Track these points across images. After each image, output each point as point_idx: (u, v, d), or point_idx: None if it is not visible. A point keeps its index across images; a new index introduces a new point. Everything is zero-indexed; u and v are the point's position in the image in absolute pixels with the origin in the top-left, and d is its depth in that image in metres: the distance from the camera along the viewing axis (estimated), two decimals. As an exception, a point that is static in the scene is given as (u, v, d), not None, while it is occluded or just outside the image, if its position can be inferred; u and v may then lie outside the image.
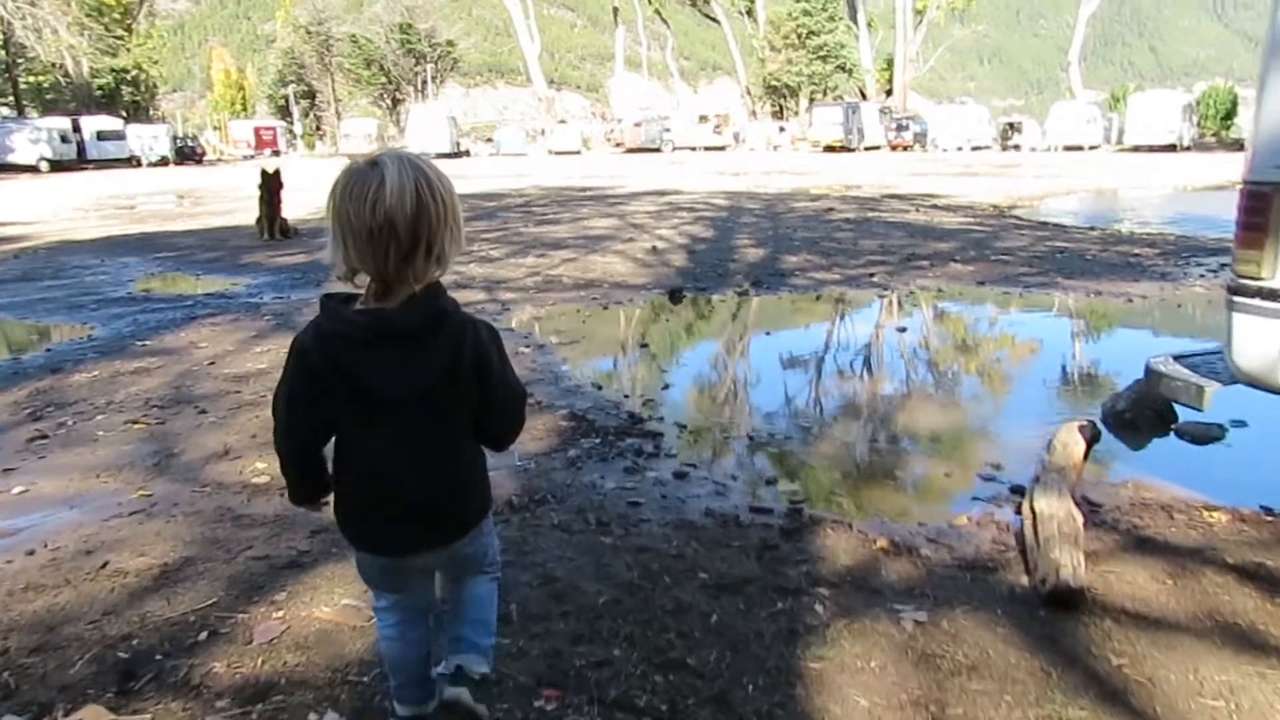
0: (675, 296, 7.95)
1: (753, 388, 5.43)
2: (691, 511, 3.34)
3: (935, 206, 17.09)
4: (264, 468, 3.83)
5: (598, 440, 4.13)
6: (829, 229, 12.97)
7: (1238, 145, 44.99)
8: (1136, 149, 44.45)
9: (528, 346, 6.08)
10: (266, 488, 3.61)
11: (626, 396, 4.95)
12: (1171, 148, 43.91)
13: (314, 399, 1.68)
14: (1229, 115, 57.02)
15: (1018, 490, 3.48)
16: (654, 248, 11.05)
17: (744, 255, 10.46)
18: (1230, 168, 28.33)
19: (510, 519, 3.26)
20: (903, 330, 6.60)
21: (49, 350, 6.28)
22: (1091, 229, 13.22)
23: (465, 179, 28.87)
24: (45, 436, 4.31)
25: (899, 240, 11.64)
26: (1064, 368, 5.77)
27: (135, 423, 4.49)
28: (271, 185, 12.29)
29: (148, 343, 6.35)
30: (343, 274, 1.64)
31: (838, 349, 6.33)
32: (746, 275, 8.99)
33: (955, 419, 4.66)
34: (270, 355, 5.88)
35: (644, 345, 6.28)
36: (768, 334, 6.96)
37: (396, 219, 1.54)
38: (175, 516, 3.34)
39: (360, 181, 1.55)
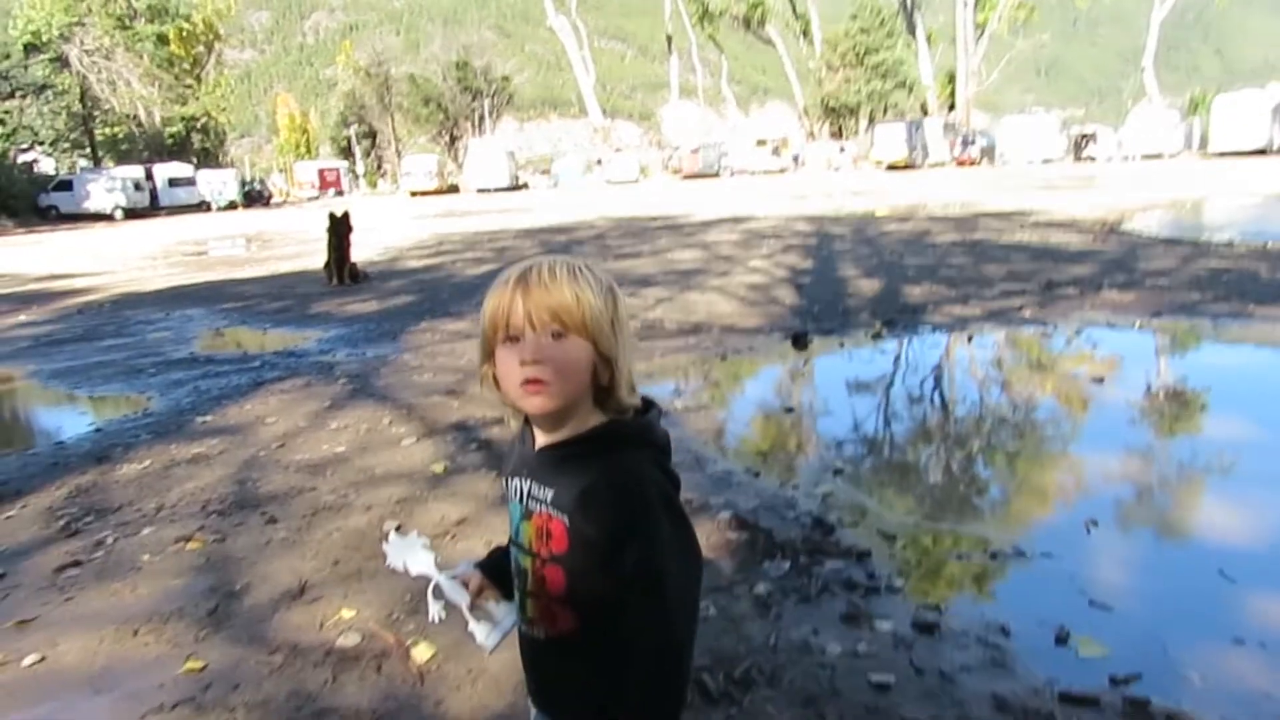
0: (800, 341, 6.88)
1: (955, 470, 4.30)
2: (973, 702, 2.27)
3: (1038, 224, 15.76)
4: (351, 617, 2.86)
5: (787, 564, 3.08)
6: (939, 254, 11.79)
7: (1333, 147, 42.46)
8: (1223, 154, 42.09)
9: (650, 415, 5.07)
10: (357, 655, 2.64)
11: (795, 488, 3.88)
12: (1261, 152, 41.44)
13: None
14: (1319, 116, 54.03)
15: None
16: (756, 283, 10.01)
17: (858, 288, 9.35)
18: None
19: (710, 717, 2.23)
20: (1100, 381, 5.42)
21: (98, 430, 5.47)
22: (1231, 244, 11.82)
23: (529, 212, 28.30)
24: (78, 564, 3.42)
25: (1025, 264, 10.41)
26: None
27: (189, 540, 3.58)
28: (340, 230, 11.59)
29: (208, 418, 5.51)
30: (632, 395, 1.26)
31: (1039, 411, 5.16)
32: (872, 312, 7.88)
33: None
34: (348, 434, 4.97)
35: (789, 410, 5.20)
36: (937, 389, 5.78)
37: None
38: (234, 709, 2.38)
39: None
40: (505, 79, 76.01)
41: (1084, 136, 52.61)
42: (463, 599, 1.36)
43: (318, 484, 4.18)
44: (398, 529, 1.38)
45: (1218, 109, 45.72)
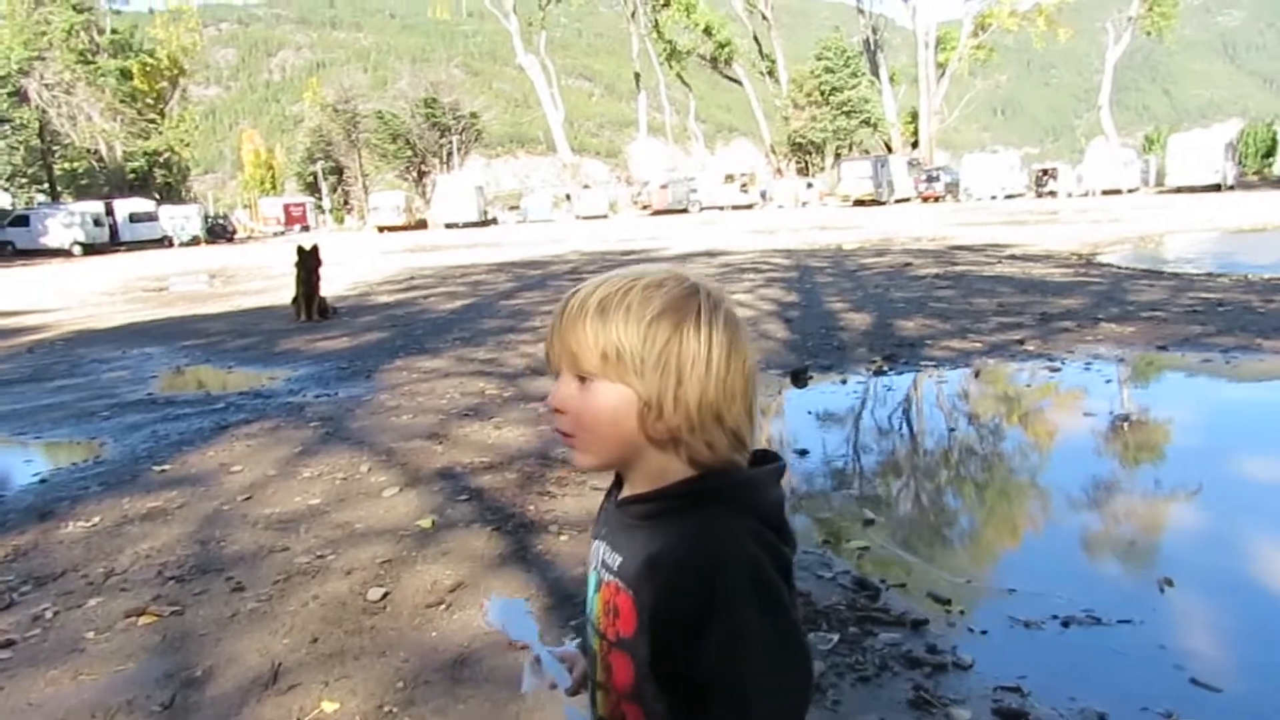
0: (799, 378, 6.55)
1: (996, 519, 3.95)
2: (1092, 813, 1.90)
3: (1014, 257, 15.72)
4: (334, 711, 2.43)
5: (835, 637, 2.70)
6: (924, 287, 11.59)
7: (1280, 184, 43.63)
8: (1179, 190, 42.94)
9: (652, 460, 4.69)
10: (345, 762, 2.21)
11: (827, 543, 3.51)
12: (1216, 188, 42.37)
13: None
14: (1269, 153, 55.77)
15: None
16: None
17: (849, 322, 9.08)
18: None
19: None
20: (1126, 420, 5.13)
21: (43, 481, 4.96)
22: (1212, 275, 11.78)
23: (499, 246, 27.95)
24: (10, 644, 2.95)
25: (1014, 297, 10.23)
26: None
27: (141, 613, 3.12)
28: (309, 263, 11.14)
29: (167, 467, 5.03)
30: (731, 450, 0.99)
31: (1073, 453, 4.87)
32: (869, 347, 7.59)
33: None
34: (322, 483, 4.53)
35: (803, 452, 4.83)
36: (955, 429, 5.43)
37: None
38: (195, 839, 1.95)
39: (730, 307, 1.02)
40: (474, 115, 76.07)
41: (1044, 172, 53.57)
42: (564, 680, 1.13)
43: (290, 543, 3.73)
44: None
45: (1173, 146, 46.76)
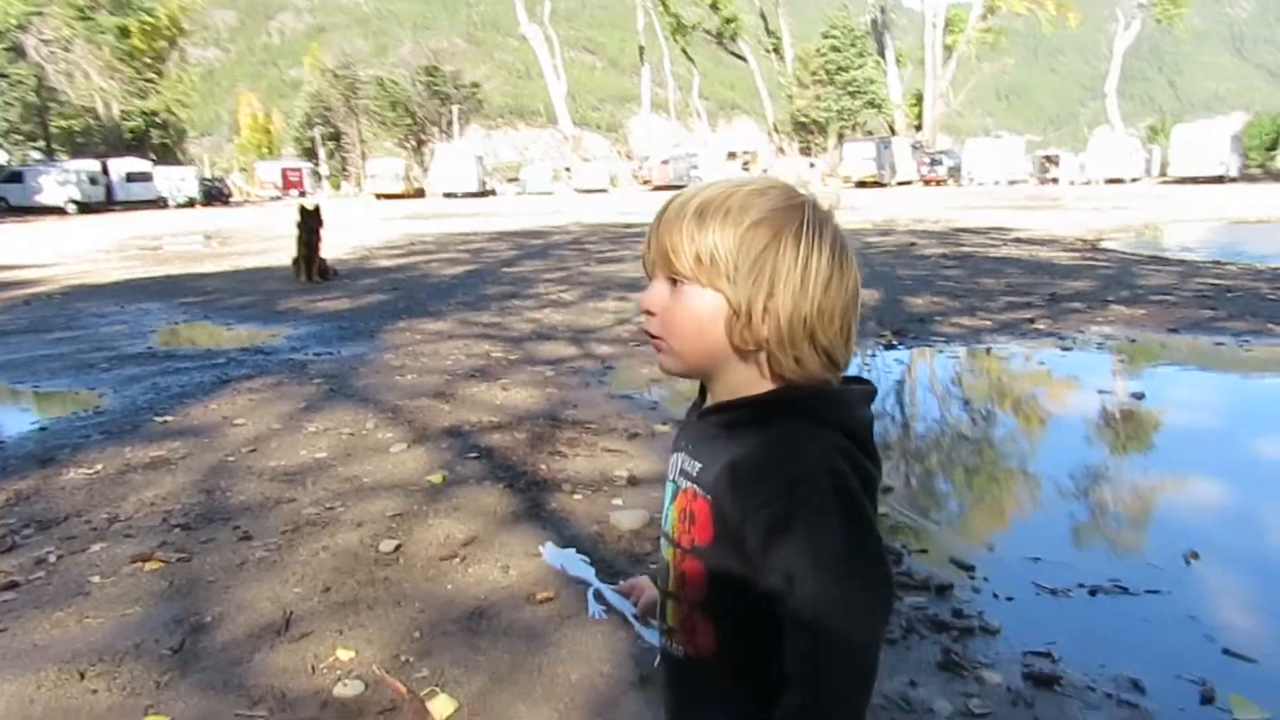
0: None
1: (1014, 489, 3.90)
2: (1133, 778, 1.85)
3: (1020, 240, 15.66)
4: (349, 659, 2.37)
5: (860, 598, 2.65)
6: (931, 266, 11.52)
7: (1285, 177, 43.55)
8: (1182, 181, 42.80)
9: (665, 424, 4.63)
10: (360, 709, 2.15)
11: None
12: (1219, 179, 42.26)
13: None
14: (1273, 146, 55.65)
15: None
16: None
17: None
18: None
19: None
20: (1140, 398, 5.08)
21: (43, 429, 4.88)
22: (1219, 263, 11.72)
23: (500, 216, 27.76)
24: (14, 585, 2.88)
25: (1022, 278, 10.16)
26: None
27: (147, 559, 3.05)
28: (311, 224, 11.00)
29: (169, 418, 4.95)
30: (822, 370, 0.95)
31: (1087, 426, 4.83)
32: (879, 321, 7.52)
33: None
34: (328, 438, 4.46)
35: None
36: (969, 401, 5.40)
37: None
38: (209, 783, 1.89)
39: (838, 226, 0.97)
40: (474, 85, 75.45)
41: (1048, 159, 53.38)
42: (628, 608, 1.16)
43: (297, 494, 3.67)
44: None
45: (1177, 137, 46.61)
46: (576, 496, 3.56)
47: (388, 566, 2.95)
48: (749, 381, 0.95)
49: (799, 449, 0.90)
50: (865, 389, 0.98)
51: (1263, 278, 10.06)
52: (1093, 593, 2.70)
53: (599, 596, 1.16)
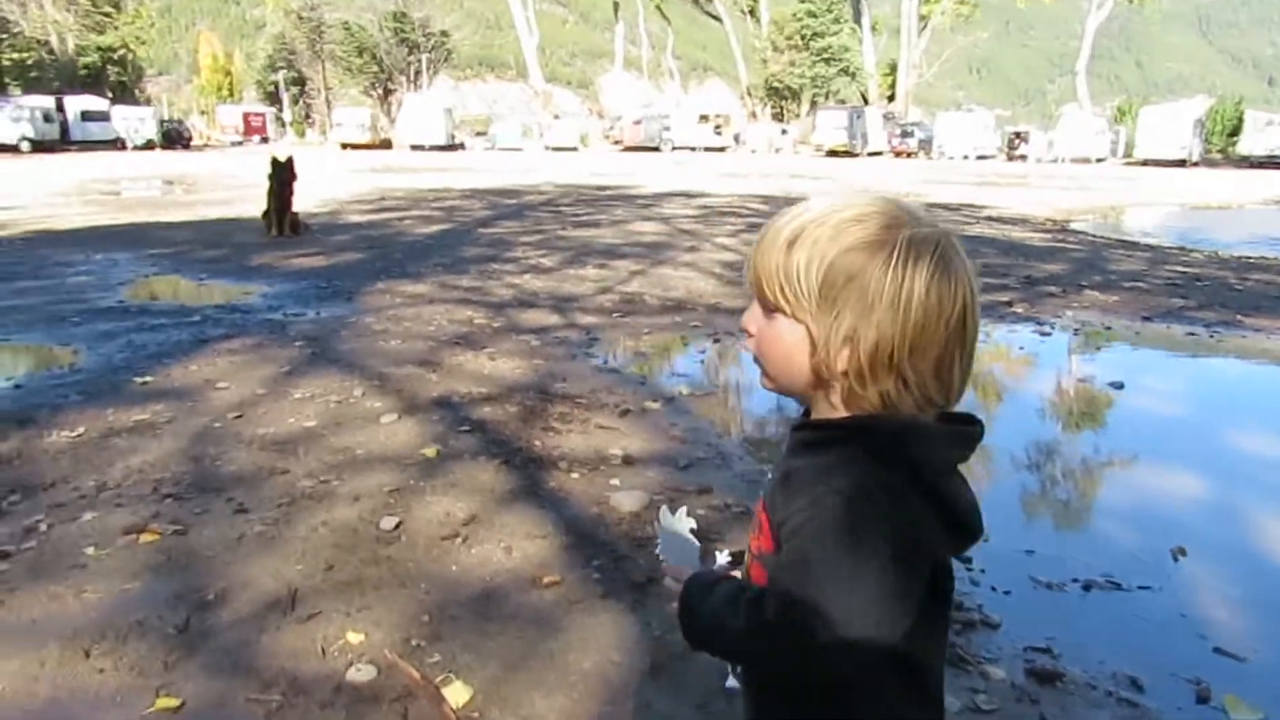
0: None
1: (1003, 479, 3.95)
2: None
3: (991, 219, 15.81)
4: (359, 643, 2.36)
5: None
6: (907, 243, 11.58)
7: (1245, 162, 44.29)
8: (1145, 163, 43.39)
9: (655, 401, 4.63)
10: (375, 695, 2.15)
11: (840, 493, 3.50)
12: (1181, 163, 42.92)
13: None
14: (1235, 132, 56.57)
15: None
16: (730, 262, 9.61)
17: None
18: (1257, 185, 27.33)
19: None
20: (1119, 387, 5.18)
21: (18, 387, 4.76)
22: (1185, 249, 11.96)
23: (471, 171, 27.37)
24: (6, 555, 2.82)
25: (997, 259, 10.27)
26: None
27: (141, 530, 3.00)
28: (283, 176, 10.75)
29: (149, 379, 4.85)
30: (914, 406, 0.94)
31: (1067, 416, 4.92)
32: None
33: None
34: (315, 405, 4.40)
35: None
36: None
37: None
38: (229, 770, 1.88)
39: (964, 276, 0.94)
40: (444, 34, 73.69)
41: (1017, 135, 53.73)
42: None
43: (290, 465, 3.62)
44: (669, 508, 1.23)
45: (1144, 119, 47.14)
46: (574, 475, 3.56)
47: (390, 545, 2.93)
48: (835, 408, 0.96)
49: (836, 474, 0.90)
50: (956, 429, 0.97)
51: (1229, 266, 10.28)
52: (1086, 587, 2.78)
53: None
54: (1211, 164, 45.31)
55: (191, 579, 2.70)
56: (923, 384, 0.93)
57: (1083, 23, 64.65)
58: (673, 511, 1.19)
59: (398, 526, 3.06)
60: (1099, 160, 46.47)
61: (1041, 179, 29.82)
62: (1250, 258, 11.12)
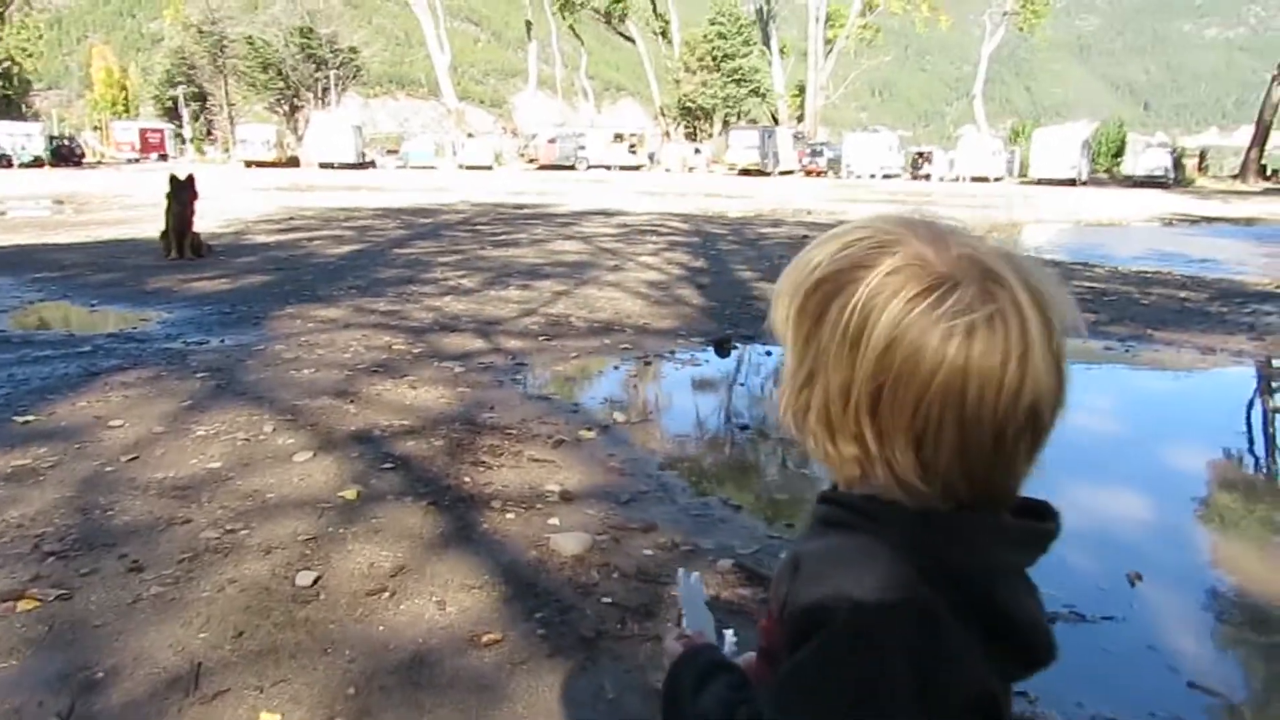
0: (723, 347, 6.40)
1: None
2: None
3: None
4: (278, 723, 2.08)
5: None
6: (827, 261, 11.68)
7: (1129, 181, 46.82)
8: (1039, 182, 45.35)
9: (589, 430, 4.42)
10: (298, 788, 1.88)
11: (790, 525, 3.36)
12: (1071, 182, 45.00)
13: None
14: (1119, 153, 59.60)
15: None
16: (656, 281, 9.48)
17: (763, 291, 8.99)
18: (1142, 203, 28.85)
19: None
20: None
21: (-125, 431, 4.26)
22: (1087, 265, 12.40)
23: (383, 191, 26.73)
24: None
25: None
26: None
27: (19, 596, 2.64)
28: (183, 195, 10.17)
29: (31, 418, 4.40)
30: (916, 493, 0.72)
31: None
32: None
33: None
34: (220, 444, 4.04)
35: (744, 427, 4.67)
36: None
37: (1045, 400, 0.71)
38: None
39: (987, 326, 0.69)
40: (353, 50, 72.33)
41: (920, 155, 55.56)
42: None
43: (192, 514, 3.28)
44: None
45: (1037, 140, 49.46)
46: (509, 515, 3.32)
47: (307, 604, 2.65)
48: (849, 481, 0.78)
49: (828, 562, 0.73)
50: (1015, 523, 0.76)
51: (1131, 281, 10.65)
52: (1051, 620, 2.68)
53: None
54: (1099, 183, 47.64)
55: (77, 655, 2.36)
56: (942, 468, 0.72)
57: (977, 49, 67.53)
58: (689, 575, 1.05)
59: (316, 582, 2.77)
60: (997, 179, 48.40)
61: (946, 197, 30.76)
62: (1148, 272, 11.56)
